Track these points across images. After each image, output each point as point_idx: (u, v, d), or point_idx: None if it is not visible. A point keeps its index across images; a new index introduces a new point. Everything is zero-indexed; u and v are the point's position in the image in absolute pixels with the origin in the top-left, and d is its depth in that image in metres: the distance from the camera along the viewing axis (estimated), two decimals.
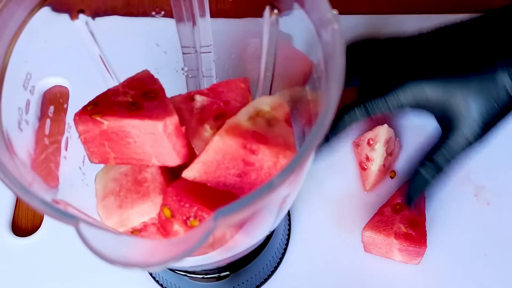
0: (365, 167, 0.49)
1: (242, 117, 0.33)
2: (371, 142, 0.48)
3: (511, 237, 0.48)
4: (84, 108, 0.34)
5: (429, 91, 0.41)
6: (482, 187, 0.50)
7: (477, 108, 0.41)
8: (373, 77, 0.44)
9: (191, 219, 0.30)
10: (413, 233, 0.44)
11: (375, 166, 0.48)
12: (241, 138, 0.31)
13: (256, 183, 0.32)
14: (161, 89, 0.35)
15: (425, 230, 0.45)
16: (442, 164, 0.45)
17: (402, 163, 0.51)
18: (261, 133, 0.32)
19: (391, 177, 0.50)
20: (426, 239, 0.44)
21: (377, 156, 0.48)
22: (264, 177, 0.31)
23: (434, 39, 0.44)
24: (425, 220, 0.46)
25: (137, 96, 0.34)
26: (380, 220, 0.45)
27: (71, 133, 0.36)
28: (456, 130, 0.43)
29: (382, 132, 0.48)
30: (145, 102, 0.34)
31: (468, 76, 0.41)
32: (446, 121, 0.43)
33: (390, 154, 0.49)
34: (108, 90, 0.35)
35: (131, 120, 0.32)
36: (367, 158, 0.49)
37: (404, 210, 0.46)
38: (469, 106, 0.41)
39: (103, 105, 0.33)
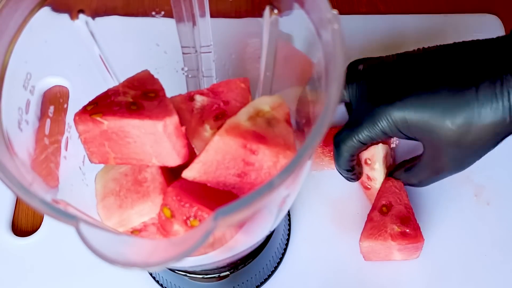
0: (369, 186, 0.48)
1: (242, 117, 0.33)
2: (369, 162, 0.47)
3: (511, 237, 0.48)
4: (84, 108, 0.34)
5: (406, 115, 0.39)
6: (482, 187, 0.50)
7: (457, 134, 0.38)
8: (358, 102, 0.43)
9: (191, 219, 0.30)
10: (407, 230, 0.44)
11: (378, 184, 0.47)
12: (241, 138, 0.31)
13: (256, 183, 0.32)
14: (161, 89, 0.35)
15: (417, 223, 0.45)
16: (413, 183, 0.46)
17: None
18: (261, 133, 0.32)
19: None
20: (420, 231, 0.44)
21: (379, 174, 0.47)
22: (264, 177, 0.31)
23: (415, 61, 0.42)
24: (413, 213, 0.46)
25: (137, 96, 0.34)
26: (372, 226, 0.45)
27: (71, 133, 0.36)
28: (433, 159, 0.41)
29: (378, 151, 0.46)
30: (145, 102, 0.34)
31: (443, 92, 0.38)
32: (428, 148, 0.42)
33: (388, 167, 0.49)
34: (108, 90, 0.35)
35: (131, 120, 0.32)
36: (369, 178, 0.48)
37: (391, 209, 0.45)
38: (448, 132, 0.38)
39: (103, 105, 0.33)
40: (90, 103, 0.34)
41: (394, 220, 0.45)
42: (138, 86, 0.35)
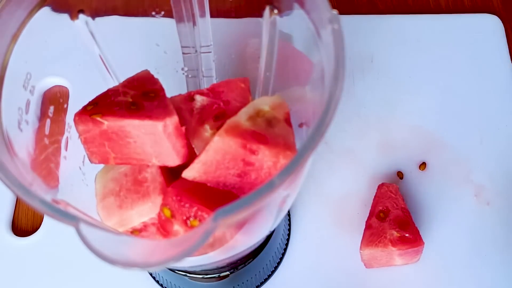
0: None
1: (242, 117, 0.33)
2: None
3: (511, 237, 0.48)
4: (84, 108, 0.34)
5: None
6: (482, 187, 0.50)
7: None
8: None
9: (191, 219, 0.30)
10: (407, 234, 0.44)
11: None
12: (241, 138, 0.31)
13: (256, 183, 0.32)
14: (161, 89, 0.35)
15: (416, 227, 0.45)
16: None
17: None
18: (261, 133, 0.32)
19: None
20: (420, 235, 0.44)
21: None
22: (264, 177, 0.31)
23: None
24: (411, 217, 0.46)
25: (137, 96, 0.34)
26: (372, 233, 0.45)
27: (71, 133, 0.36)
28: None
29: None
30: (145, 102, 0.34)
31: None
32: None
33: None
34: (108, 90, 0.35)
35: (131, 120, 0.32)
36: None
37: (389, 215, 0.45)
38: None
39: (103, 105, 0.33)
40: (90, 103, 0.34)
41: (392, 225, 0.45)
42: (138, 86, 0.35)
